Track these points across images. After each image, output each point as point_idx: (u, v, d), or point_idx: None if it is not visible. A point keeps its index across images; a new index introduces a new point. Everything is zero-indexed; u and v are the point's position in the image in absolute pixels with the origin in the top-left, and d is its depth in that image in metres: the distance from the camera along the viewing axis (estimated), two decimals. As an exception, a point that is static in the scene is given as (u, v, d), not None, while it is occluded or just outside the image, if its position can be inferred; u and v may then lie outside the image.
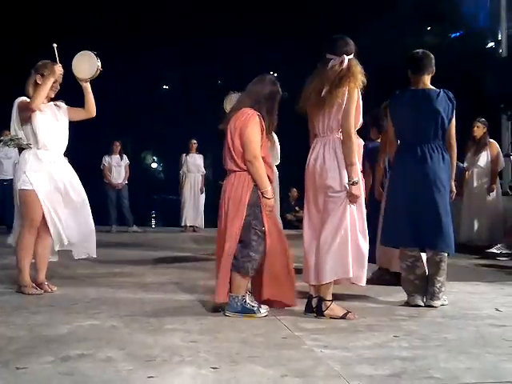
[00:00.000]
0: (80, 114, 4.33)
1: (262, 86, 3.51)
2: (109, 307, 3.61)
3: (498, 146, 7.14)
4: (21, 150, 4.21)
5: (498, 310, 3.60)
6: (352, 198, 3.31)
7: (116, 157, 9.88)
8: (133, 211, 10.08)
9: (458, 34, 13.23)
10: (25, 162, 4.04)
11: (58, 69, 4.06)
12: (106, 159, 9.86)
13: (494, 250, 6.16)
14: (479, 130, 6.97)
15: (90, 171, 10.26)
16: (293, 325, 3.16)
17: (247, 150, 3.38)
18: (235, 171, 3.43)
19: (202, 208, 9.99)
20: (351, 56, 3.37)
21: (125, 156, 9.97)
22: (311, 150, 3.50)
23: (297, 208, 11.51)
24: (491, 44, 10.23)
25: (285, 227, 8.75)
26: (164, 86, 19.93)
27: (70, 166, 4.30)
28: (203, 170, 10.10)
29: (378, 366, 2.45)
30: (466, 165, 7.35)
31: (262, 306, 3.42)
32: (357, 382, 2.26)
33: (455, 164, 3.84)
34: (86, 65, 4.19)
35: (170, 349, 2.68)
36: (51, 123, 4.13)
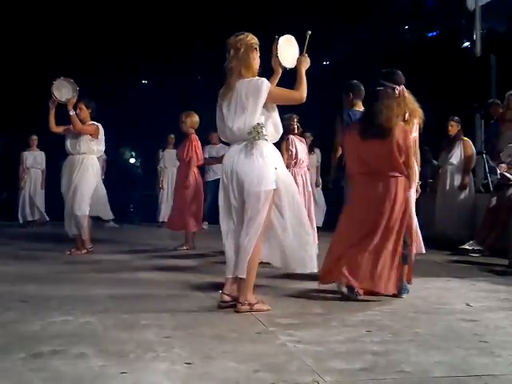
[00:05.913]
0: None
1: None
2: (83, 303, 3.59)
3: (471, 143, 7.24)
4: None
5: (468, 305, 3.67)
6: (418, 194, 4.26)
7: (93, 152, 9.73)
8: (110, 207, 9.95)
9: (434, 33, 13.40)
10: (272, 156, 3.42)
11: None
12: (83, 154, 9.70)
13: (466, 247, 6.26)
14: (453, 128, 7.09)
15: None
16: (267, 320, 3.18)
17: (410, 158, 3.83)
18: (396, 177, 3.78)
19: None
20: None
21: (102, 151, 9.80)
22: None
23: None
24: (466, 43, 10.37)
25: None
26: (143, 81, 19.77)
27: None
28: None
29: (349, 360, 2.49)
30: (439, 162, 7.46)
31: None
32: (329, 376, 2.29)
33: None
34: (290, 53, 3.54)
35: (143, 345, 2.67)
36: None
